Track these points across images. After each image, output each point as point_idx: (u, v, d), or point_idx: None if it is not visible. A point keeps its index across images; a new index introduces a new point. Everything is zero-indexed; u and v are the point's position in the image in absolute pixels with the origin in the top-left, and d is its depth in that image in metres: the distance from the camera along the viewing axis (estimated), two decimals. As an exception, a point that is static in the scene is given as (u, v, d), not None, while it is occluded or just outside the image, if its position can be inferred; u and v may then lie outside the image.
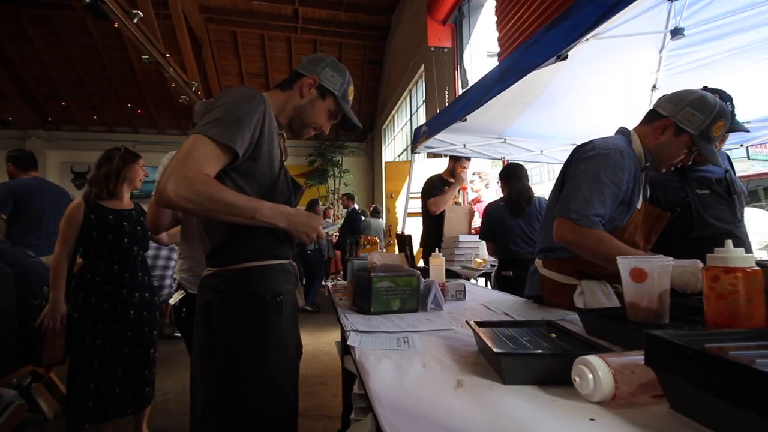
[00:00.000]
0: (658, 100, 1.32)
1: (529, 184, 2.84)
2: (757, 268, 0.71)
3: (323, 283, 5.59)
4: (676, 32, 1.78)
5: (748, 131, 1.84)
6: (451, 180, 3.36)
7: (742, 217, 1.62)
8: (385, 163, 8.74)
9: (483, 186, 4.15)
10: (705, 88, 1.68)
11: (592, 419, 0.55)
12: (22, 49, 8.55)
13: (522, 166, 2.90)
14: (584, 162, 1.27)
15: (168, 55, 5.52)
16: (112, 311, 1.89)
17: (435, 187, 3.25)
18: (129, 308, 1.94)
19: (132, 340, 1.93)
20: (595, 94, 2.61)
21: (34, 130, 10.12)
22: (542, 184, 14.33)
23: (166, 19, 6.46)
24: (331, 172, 11.26)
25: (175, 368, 3.32)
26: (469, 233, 3.27)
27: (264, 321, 0.99)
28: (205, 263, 1.07)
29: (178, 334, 4.33)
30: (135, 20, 4.45)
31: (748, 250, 1.49)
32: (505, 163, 3.91)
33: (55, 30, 8.29)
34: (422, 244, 3.40)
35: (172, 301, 1.78)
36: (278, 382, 0.99)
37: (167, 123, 10.64)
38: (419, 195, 3.39)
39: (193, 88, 6.61)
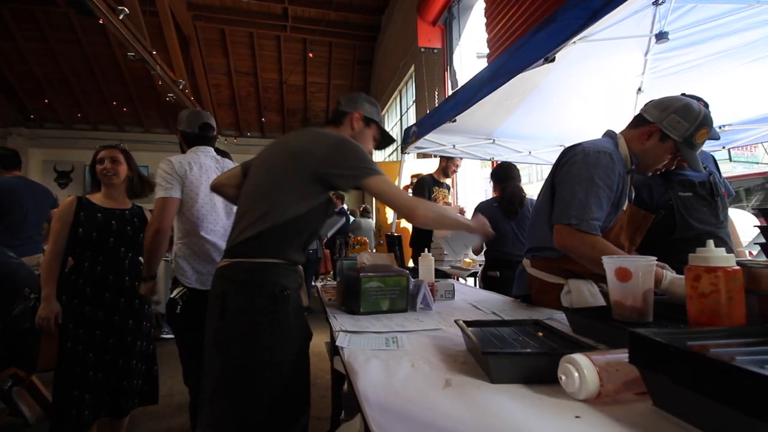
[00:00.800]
0: (644, 105, 1.34)
1: (520, 184, 2.85)
2: (737, 267, 0.73)
3: (312, 283, 5.57)
4: (661, 36, 1.81)
5: (719, 139, 1.88)
6: (443, 180, 3.38)
7: (725, 218, 1.65)
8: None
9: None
10: (683, 95, 1.72)
11: (577, 417, 0.56)
12: (3, 45, 8.33)
13: (514, 165, 2.90)
14: (575, 165, 1.27)
15: (155, 52, 5.43)
16: (93, 315, 1.80)
17: (424, 188, 3.27)
18: (113, 313, 1.84)
19: (113, 348, 1.83)
20: (582, 95, 2.65)
21: (15, 127, 9.88)
22: (531, 185, 14.47)
23: (153, 16, 6.36)
24: (321, 172, 11.22)
25: (163, 370, 3.27)
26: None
27: (273, 311, 1.09)
28: (217, 256, 1.27)
29: (165, 336, 4.26)
30: (121, 17, 4.37)
31: (730, 250, 1.53)
32: (494, 164, 3.94)
33: (38, 26, 8.10)
34: (411, 244, 3.41)
35: (173, 295, 1.80)
36: (283, 368, 1.07)
37: (153, 121, 10.48)
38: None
39: (181, 87, 6.53)
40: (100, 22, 4.39)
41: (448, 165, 3.37)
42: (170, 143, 9.56)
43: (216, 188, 1.46)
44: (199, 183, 1.76)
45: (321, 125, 1.39)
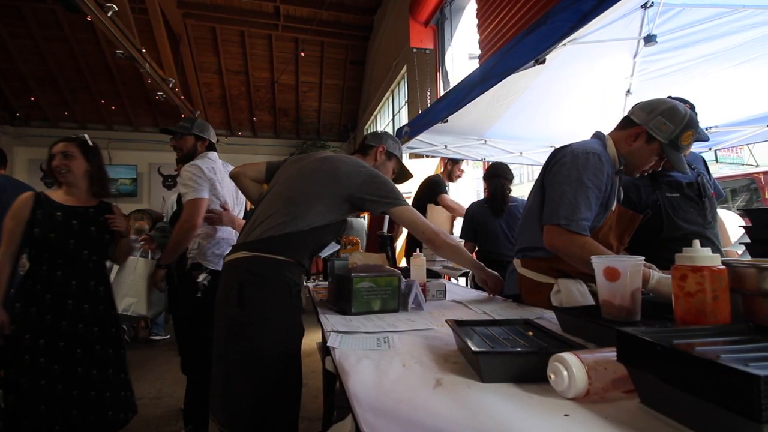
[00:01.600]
0: (632, 107, 1.36)
1: (510, 184, 2.87)
2: (723, 267, 0.74)
3: (304, 284, 5.54)
4: (649, 39, 1.83)
5: (707, 140, 1.91)
6: (447, 182, 3.40)
7: (713, 219, 1.68)
8: (367, 163, 8.70)
9: None
10: (669, 98, 1.74)
11: (566, 415, 0.57)
12: (-13, 41, 8.17)
13: (503, 164, 2.93)
14: (564, 166, 1.28)
15: (144, 50, 5.35)
16: (55, 325, 1.64)
17: (442, 185, 3.28)
18: (77, 321, 1.68)
19: (82, 358, 1.68)
20: (572, 97, 2.67)
21: (1, 126, 9.69)
22: (521, 185, 14.57)
23: (142, 13, 6.27)
24: (313, 172, 11.12)
25: (152, 372, 3.24)
26: (451, 234, 3.30)
27: (288, 305, 1.22)
28: (225, 246, 1.41)
29: (153, 338, 4.22)
30: (109, 14, 4.30)
31: (716, 250, 1.55)
32: (486, 165, 3.96)
33: (25, 22, 7.94)
34: (406, 242, 3.44)
35: (200, 279, 1.91)
36: (291, 356, 1.21)
37: (143, 120, 10.33)
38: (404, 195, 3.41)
39: (170, 85, 6.45)
40: (88, 19, 4.31)
41: (453, 169, 3.38)
42: (159, 142, 9.43)
43: (235, 176, 1.59)
44: (221, 184, 2.05)
45: (350, 153, 1.59)
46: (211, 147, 2.17)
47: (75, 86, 9.31)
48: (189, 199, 1.88)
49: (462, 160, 3.57)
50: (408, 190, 3.83)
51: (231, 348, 1.16)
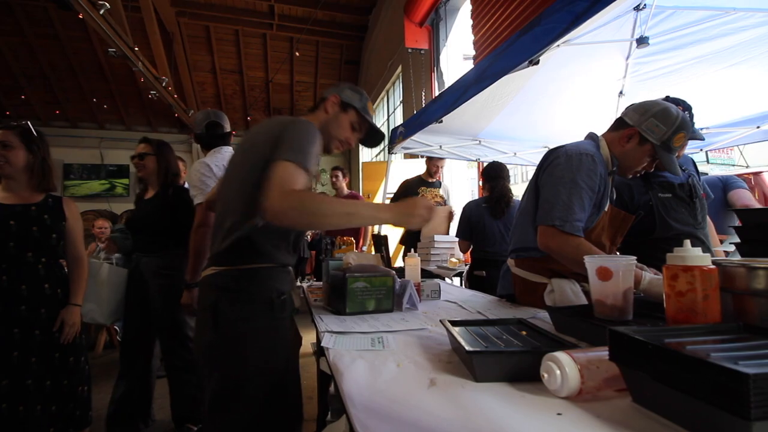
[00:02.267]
0: (625, 109, 1.37)
1: (509, 185, 2.88)
2: (713, 266, 0.75)
3: (298, 284, 5.52)
4: (642, 41, 1.84)
5: (703, 139, 1.93)
6: (430, 180, 3.42)
7: (704, 219, 1.70)
8: (362, 163, 8.72)
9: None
10: (667, 98, 1.75)
11: (559, 414, 0.57)
12: (-23, 39, 8.06)
13: (504, 165, 2.93)
14: (558, 167, 1.29)
15: (137, 48, 5.31)
16: (7, 334, 1.51)
17: (410, 189, 3.30)
18: (32, 328, 1.55)
19: (37, 369, 1.54)
20: (566, 98, 2.69)
21: (-10, 124, 9.57)
22: (516, 186, 14.63)
23: (135, 11, 6.23)
24: (307, 172, 11.10)
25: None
26: (447, 234, 3.31)
27: (270, 318, 1.05)
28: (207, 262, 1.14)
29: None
30: (101, 11, 4.26)
31: (707, 250, 1.57)
32: (480, 165, 3.98)
33: (15, 19, 7.84)
34: (402, 241, 3.45)
35: None
36: (282, 375, 1.06)
37: (135, 119, 10.25)
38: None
39: (164, 84, 6.40)
40: (80, 16, 4.27)
41: (429, 165, 3.43)
42: (153, 141, 9.33)
43: (209, 206, 1.44)
44: None
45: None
46: (207, 139, 2.00)
47: (66, 84, 9.21)
48: (198, 203, 1.78)
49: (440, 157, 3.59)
50: (391, 190, 3.83)
51: (211, 375, 1.04)
